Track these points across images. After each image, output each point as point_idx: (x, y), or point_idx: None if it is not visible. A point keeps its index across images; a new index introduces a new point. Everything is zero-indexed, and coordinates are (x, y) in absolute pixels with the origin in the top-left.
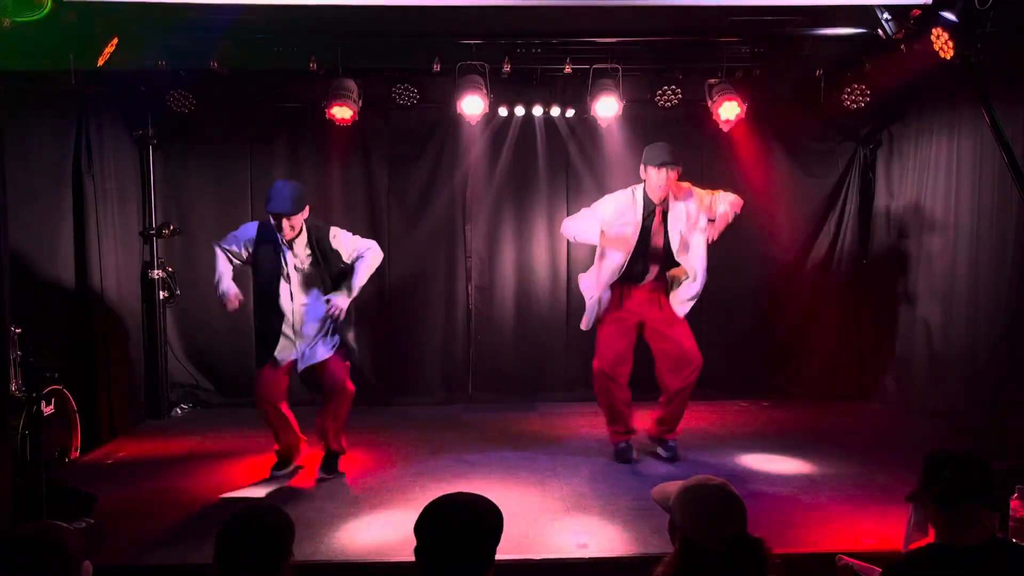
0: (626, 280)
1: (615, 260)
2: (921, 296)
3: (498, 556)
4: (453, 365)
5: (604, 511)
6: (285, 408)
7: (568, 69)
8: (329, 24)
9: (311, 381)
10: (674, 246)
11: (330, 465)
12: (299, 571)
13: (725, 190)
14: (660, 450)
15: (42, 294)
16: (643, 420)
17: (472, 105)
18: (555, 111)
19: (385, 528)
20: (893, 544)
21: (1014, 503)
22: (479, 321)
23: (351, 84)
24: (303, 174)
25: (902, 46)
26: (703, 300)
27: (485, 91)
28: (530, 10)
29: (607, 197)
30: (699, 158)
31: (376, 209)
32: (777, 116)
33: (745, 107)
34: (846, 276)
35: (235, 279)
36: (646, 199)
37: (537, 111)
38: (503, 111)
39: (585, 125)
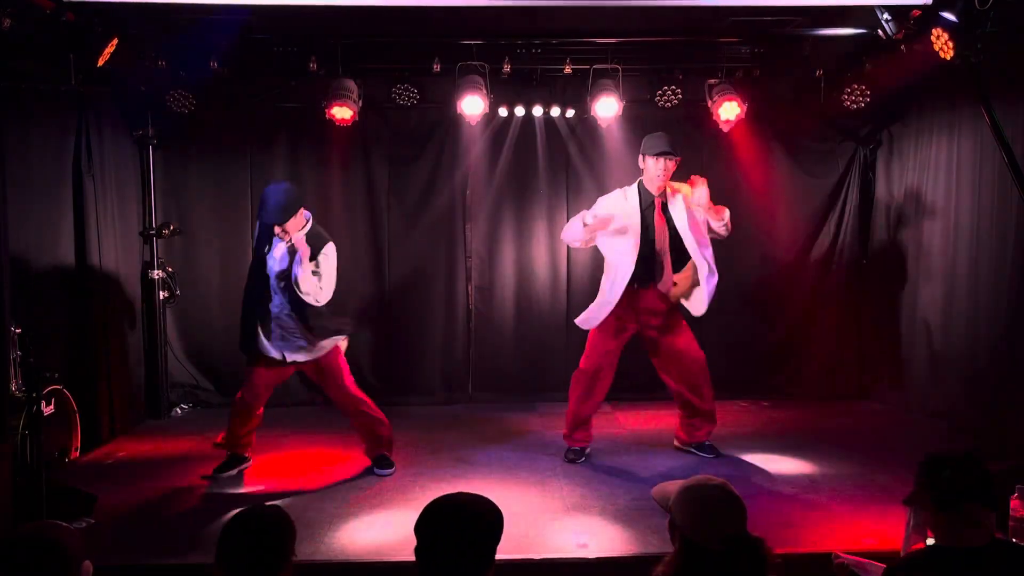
0: (638, 282)
1: (625, 263)
2: (921, 296)
3: (498, 556)
4: (453, 365)
5: (604, 511)
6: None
7: (568, 69)
8: (329, 24)
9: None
10: (682, 235)
11: (381, 463)
12: (299, 571)
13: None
14: (699, 452)
15: (42, 294)
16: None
17: (472, 105)
18: (555, 111)
19: (385, 528)
20: (893, 544)
21: (1014, 503)
22: (479, 321)
23: (351, 84)
24: (303, 174)
25: (902, 46)
26: None
27: (485, 91)
28: (530, 10)
29: (599, 200)
30: (699, 158)
31: (376, 209)
32: (777, 116)
33: (745, 107)
34: (846, 276)
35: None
36: (643, 191)
37: (537, 111)
38: (503, 111)
39: (585, 125)
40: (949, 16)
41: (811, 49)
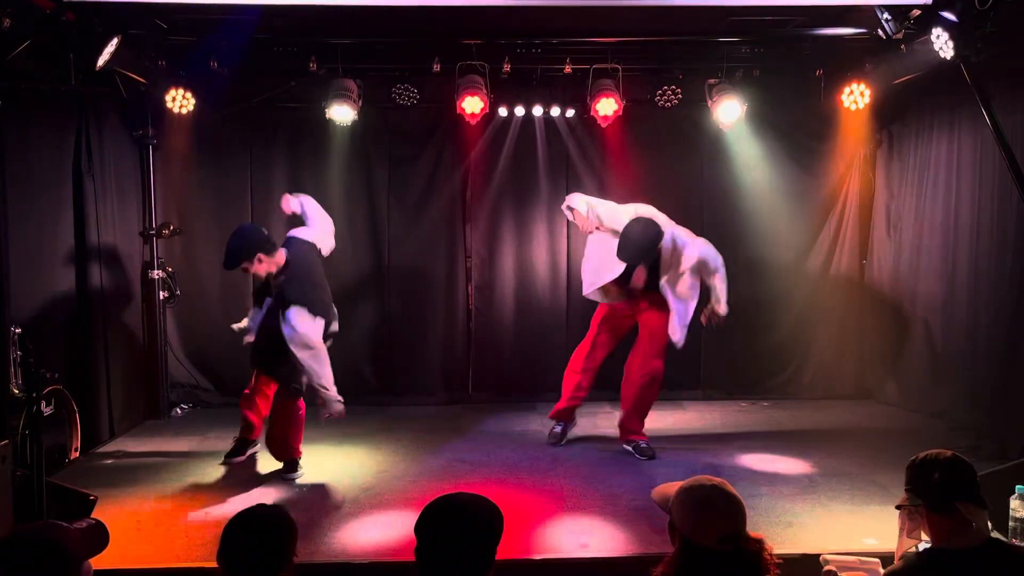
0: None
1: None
2: (921, 296)
3: (498, 556)
4: (453, 365)
5: (604, 511)
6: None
7: (568, 69)
8: (329, 24)
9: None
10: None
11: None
12: (299, 571)
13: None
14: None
15: (42, 294)
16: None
17: (472, 105)
18: (555, 111)
19: (385, 528)
20: (893, 544)
21: (1014, 503)
22: (479, 321)
23: (351, 84)
24: (303, 174)
25: (902, 46)
26: (703, 300)
27: (485, 91)
28: (530, 10)
29: (620, 207)
30: (699, 158)
31: (376, 209)
32: (777, 116)
33: (745, 107)
34: (846, 276)
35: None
36: None
37: (537, 111)
38: (503, 111)
39: (585, 125)
40: (949, 16)
41: (811, 49)
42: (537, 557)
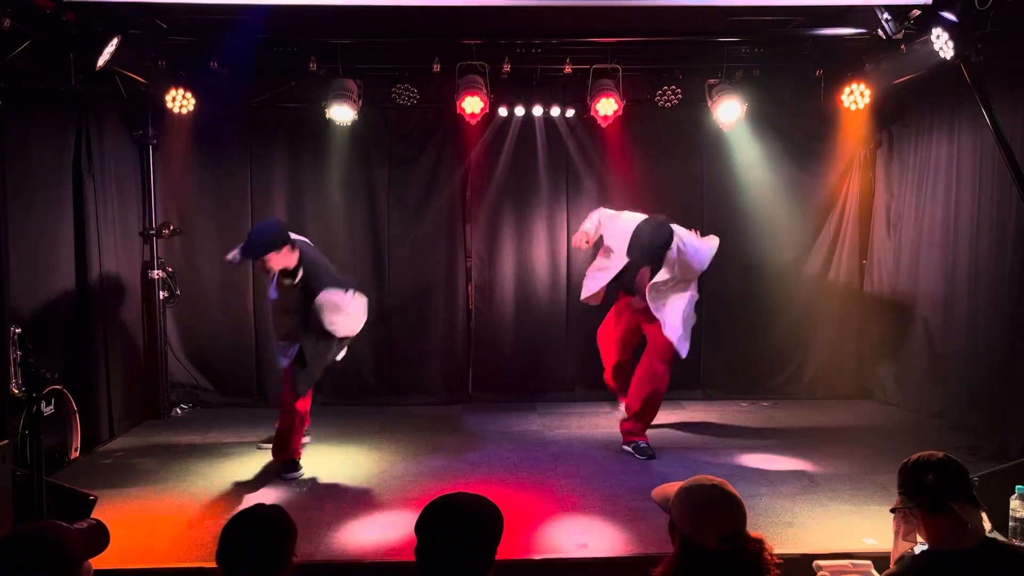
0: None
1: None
2: (921, 296)
3: (498, 556)
4: (453, 365)
5: (604, 511)
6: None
7: (568, 69)
8: (329, 24)
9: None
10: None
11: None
12: (299, 571)
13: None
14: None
15: (42, 294)
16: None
17: (472, 105)
18: (555, 111)
19: (385, 528)
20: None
21: (1014, 503)
22: (479, 321)
23: (351, 84)
24: (302, 174)
25: (902, 46)
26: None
27: (485, 91)
28: (530, 10)
29: (622, 216)
30: (699, 158)
31: (376, 209)
32: (777, 116)
33: (745, 107)
34: (846, 276)
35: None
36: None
37: (537, 111)
38: (503, 111)
39: (585, 125)
40: (949, 16)
41: (811, 49)
42: (537, 557)
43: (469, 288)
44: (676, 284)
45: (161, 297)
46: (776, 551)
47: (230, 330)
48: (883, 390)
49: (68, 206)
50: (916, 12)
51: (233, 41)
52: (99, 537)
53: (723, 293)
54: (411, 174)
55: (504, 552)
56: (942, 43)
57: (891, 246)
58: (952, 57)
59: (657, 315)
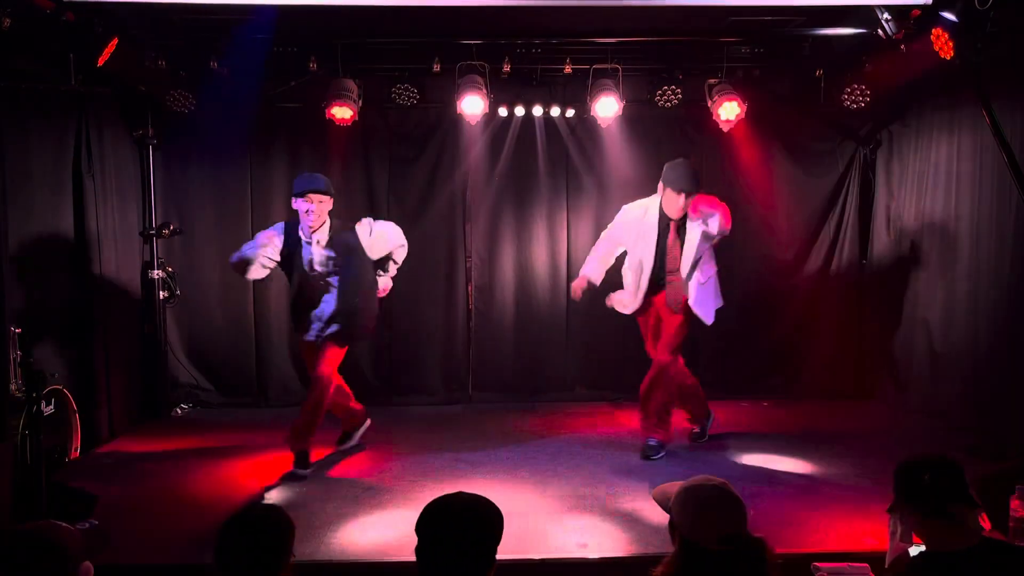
0: (653, 288)
1: (645, 271)
2: (921, 296)
3: (498, 556)
4: (453, 365)
5: (604, 511)
6: (341, 383)
7: (568, 69)
8: (329, 24)
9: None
10: (684, 267)
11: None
12: (299, 571)
13: (723, 191)
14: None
15: (42, 294)
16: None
17: (472, 105)
18: (555, 111)
19: (385, 528)
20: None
21: (1014, 503)
22: (479, 321)
23: (351, 84)
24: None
25: (902, 46)
26: None
27: (485, 91)
28: (530, 10)
29: (624, 208)
30: (699, 158)
31: (376, 209)
32: (777, 116)
33: (745, 107)
34: (846, 276)
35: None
36: (662, 213)
37: (537, 111)
38: (503, 111)
39: (585, 125)
40: (949, 16)
41: (811, 49)
42: (537, 557)
43: (469, 288)
44: (702, 263)
45: (161, 297)
46: (776, 551)
47: (230, 330)
48: (883, 390)
49: (68, 206)
50: (916, 12)
51: (233, 41)
52: (99, 539)
53: (723, 293)
54: (411, 174)
55: (504, 552)
56: (942, 43)
57: (891, 246)
58: (952, 57)
59: (692, 295)
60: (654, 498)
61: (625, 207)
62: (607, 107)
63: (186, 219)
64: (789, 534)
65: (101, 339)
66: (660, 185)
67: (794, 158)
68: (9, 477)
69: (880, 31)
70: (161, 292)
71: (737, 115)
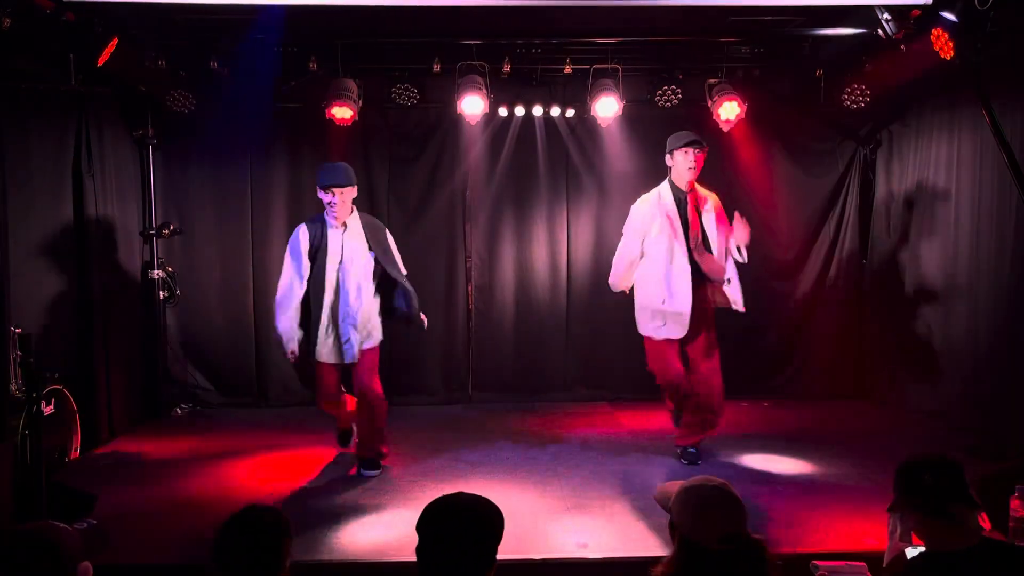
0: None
1: (679, 262)
2: (921, 296)
3: (498, 556)
4: (453, 365)
5: (604, 511)
6: (344, 398)
7: (568, 69)
8: (329, 24)
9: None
10: (711, 236)
11: (366, 464)
12: (299, 571)
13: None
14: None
15: (42, 294)
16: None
17: (472, 105)
18: (555, 111)
19: (385, 528)
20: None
21: (1014, 503)
22: (479, 321)
23: (351, 84)
24: (303, 174)
25: (902, 46)
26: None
27: (485, 91)
28: (530, 10)
29: (633, 209)
30: None
31: (376, 209)
32: (777, 116)
33: (745, 107)
34: (846, 276)
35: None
36: (674, 188)
37: (537, 111)
38: (503, 111)
39: (585, 125)
40: (949, 16)
41: (811, 49)
42: (537, 557)
43: (469, 288)
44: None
45: (161, 297)
46: (776, 551)
47: (230, 330)
48: (883, 390)
49: (68, 206)
50: (916, 12)
51: (233, 41)
52: (98, 539)
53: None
54: (411, 174)
55: (504, 552)
56: (942, 43)
57: (891, 246)
58: (952, 57)
59: (729, 282)
60: (655, 498)
61: (635, 204)
62: (607, 107)
63: (186, 219)
64: (789, 534)
65: (101, 339)
66: (667, 157)
67: (794, 158)
68: (9, 477)
69: (880, 31)
70: (161, 292)
71: (737, 115)
